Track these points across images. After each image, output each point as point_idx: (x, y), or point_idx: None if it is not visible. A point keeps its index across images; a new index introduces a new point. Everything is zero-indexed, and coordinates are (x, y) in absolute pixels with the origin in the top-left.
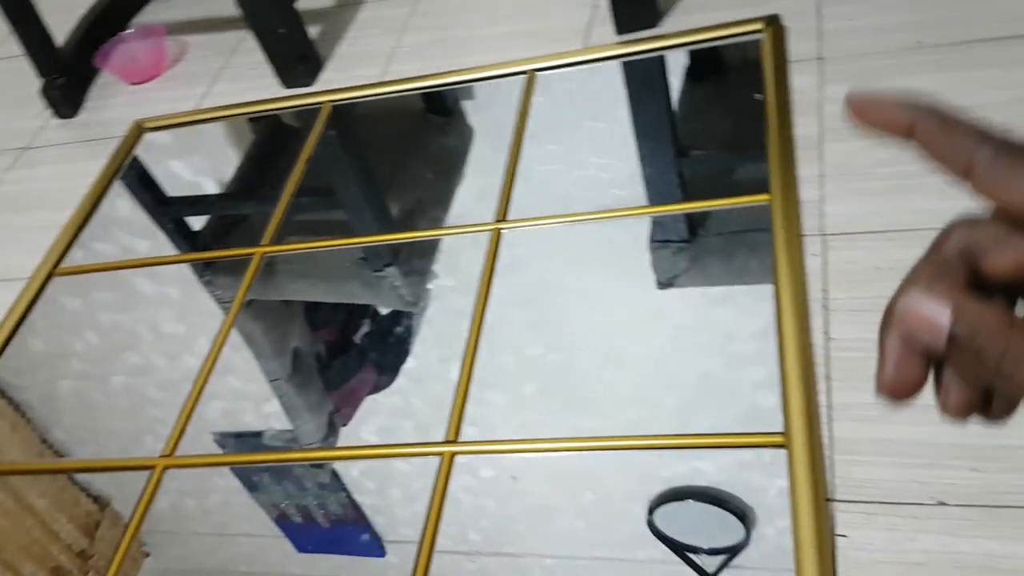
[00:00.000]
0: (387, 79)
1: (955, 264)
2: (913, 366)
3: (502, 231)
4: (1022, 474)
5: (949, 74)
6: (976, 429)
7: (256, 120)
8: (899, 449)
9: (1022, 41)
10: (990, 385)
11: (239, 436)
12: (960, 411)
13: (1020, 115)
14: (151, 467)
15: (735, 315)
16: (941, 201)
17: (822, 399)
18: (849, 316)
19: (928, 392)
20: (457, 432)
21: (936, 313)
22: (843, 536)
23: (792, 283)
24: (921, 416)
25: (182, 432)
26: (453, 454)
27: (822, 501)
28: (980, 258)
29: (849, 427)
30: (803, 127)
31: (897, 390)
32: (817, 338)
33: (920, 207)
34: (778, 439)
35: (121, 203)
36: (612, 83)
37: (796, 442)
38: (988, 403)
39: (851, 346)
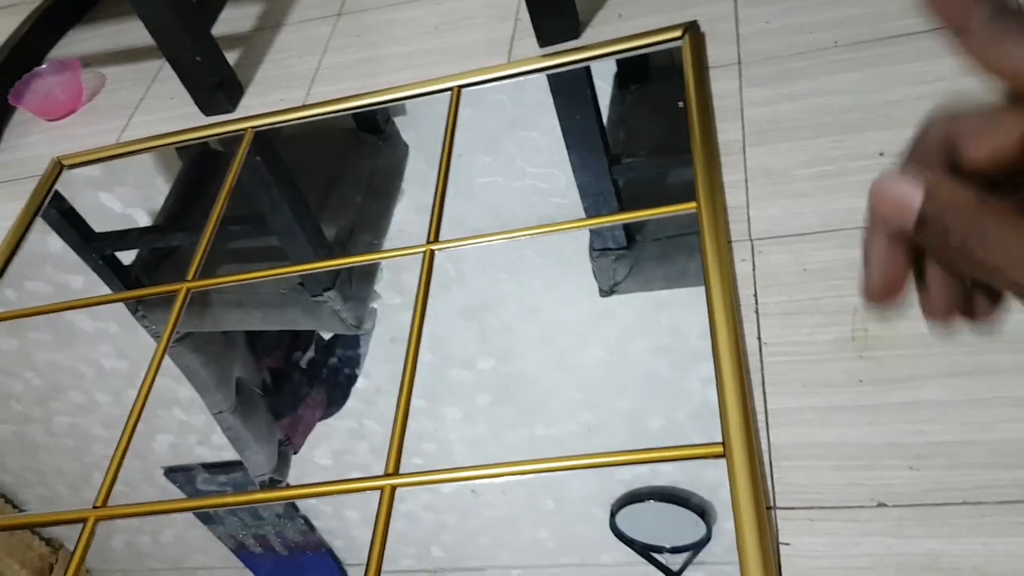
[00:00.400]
0: (310, 101)
1: (933, 154)
2: (895, 264)
3: (435, 251)
4: (958, 470)
5: (867, 71)
6: (910, 427)
7: (180, 149)
8: (837, 451)
9: (929, 35)
10: (957, 267)
11: (188, 470)
12: (942, 311)
13: (930, 108)
14: (83, 519)
15: (678, 317)
16: (861, 199)
17: (759, 405)
18: (781, 320)
19: (860, 391)
20: (397, 464)
21: (907, 191)
22: (786, 544)
23: (723, 291)
24: (856, 417)
25: (113, 482)
26: (394, 487)
27: (764, 510)
28: (958, 149)
29: (786, 432)
30: (726, 132)
31: (883, 291)
32: (751, 344)
33: (843, 207)
34: (717, 449)
35: (46, 240)
36: (542, 95)
37: (735, 451)
38: (971, 304)
39: (784, 350)
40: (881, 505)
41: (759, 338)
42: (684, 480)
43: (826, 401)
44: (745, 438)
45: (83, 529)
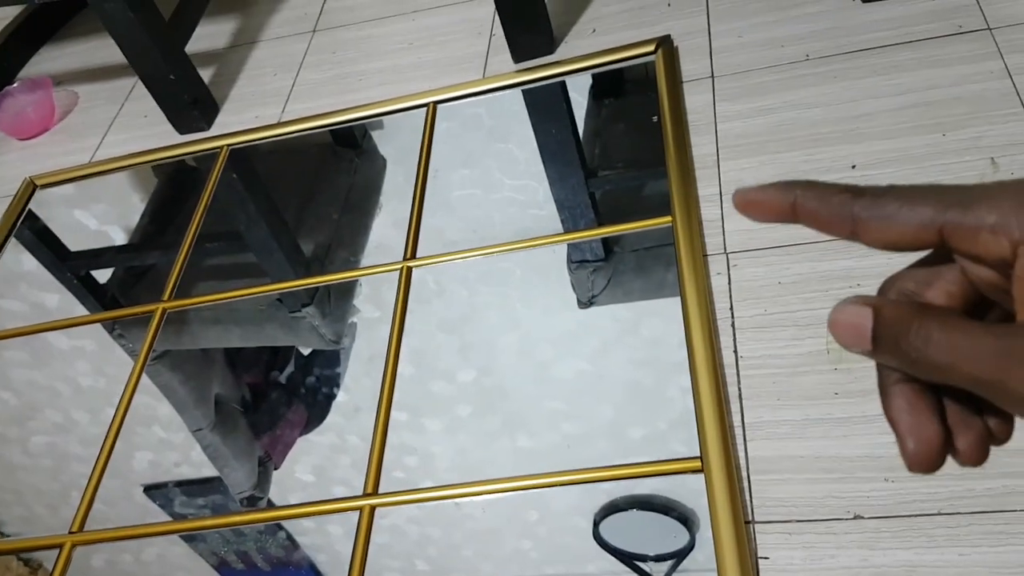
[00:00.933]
0: (286, 118)
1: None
2: (924, 421)
3: (412, 268)
4: (933, 481)
5: (837, 85)
6: (884, 439)
7: (155, 168)
8: (812, 465)
9: (903, 48)
10: (929, 379)
11: (167, 488)
12: (973, 452)
13: (907, 119)
14: (60, 545)
15: (656, 327)
16: None
17: (736, 419)
18: (756, 333)
19: (835, 403)
20: (376, 483)
21: (857, 314)
22: (765, 558)
23: (699, 305)
24: (832, 429)
25: (89, 506)
26: (373, 507)
27: (742, 525)
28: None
29: (763, 446)
30: (700, 146)
31: (926, 456)
32: (727, 357)
33: None
34: (695, 464)
35: (20, 259)
36: (518, 109)
37: (713, 466)
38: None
39: (760, 363)
40: (857, 517)
41: (735, 351)
42: (666, 488)
43: (802, 414)
44: (723, 452)
45: (59, 554)
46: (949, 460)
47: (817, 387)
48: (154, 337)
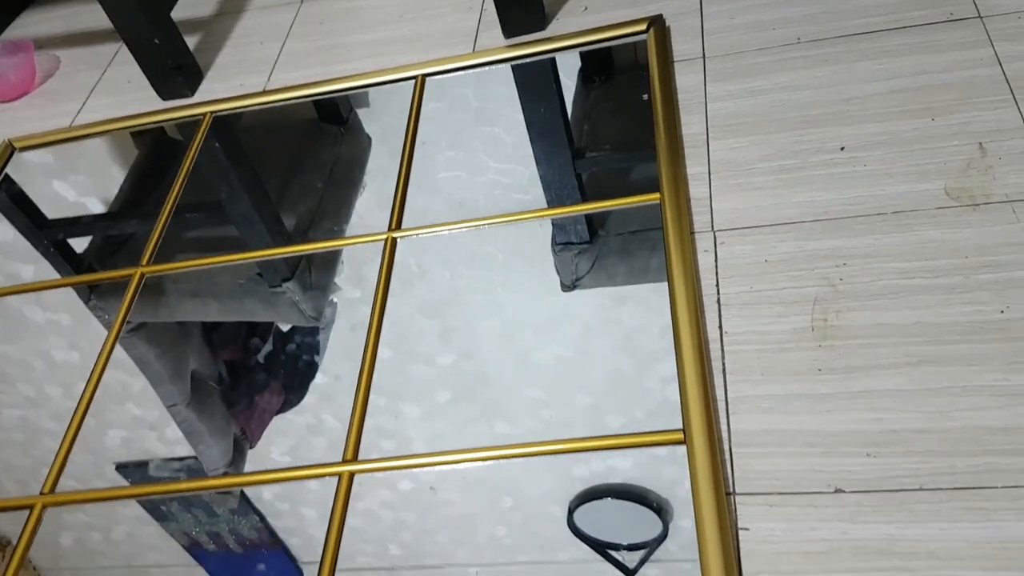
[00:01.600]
0: (271, 87)
1: None
2: None
3: (396, 239)
4: (914, 457)
5: (827, 68)
6: (867, 415)
7: (137, 134)
8: (795, 439)
9: (894, 33)
10: None
11: (141, 465)
12: None
13: (896, 103)
14: (30, 506)
15: (639, 312)
16: (822, 193)
17: (720, 393)
18: (742, 309)
19: (819, 379)
20: (356, 450)
21: None
22: (745, 529)
23: (685, 281)
24: (815, 404)
25: (61, 468)
26: (352, 473)
27: (723, 496)
28: None
29: (746, 419)
30: (690, 125)
31: None
32: (712, 333)
33: (804, 199)
34: (677, 436)
35: None
36: (507, 87)
37: (695, 438)
38: None
39: (745, 339)
40: (839, 491)
41: (720, 327)
42: (642, 477)
43: (786, 389)
44: (705, 425)
45: (29, 516)
46: (930, 436)
47: (801, 363)
48: (131, 302)
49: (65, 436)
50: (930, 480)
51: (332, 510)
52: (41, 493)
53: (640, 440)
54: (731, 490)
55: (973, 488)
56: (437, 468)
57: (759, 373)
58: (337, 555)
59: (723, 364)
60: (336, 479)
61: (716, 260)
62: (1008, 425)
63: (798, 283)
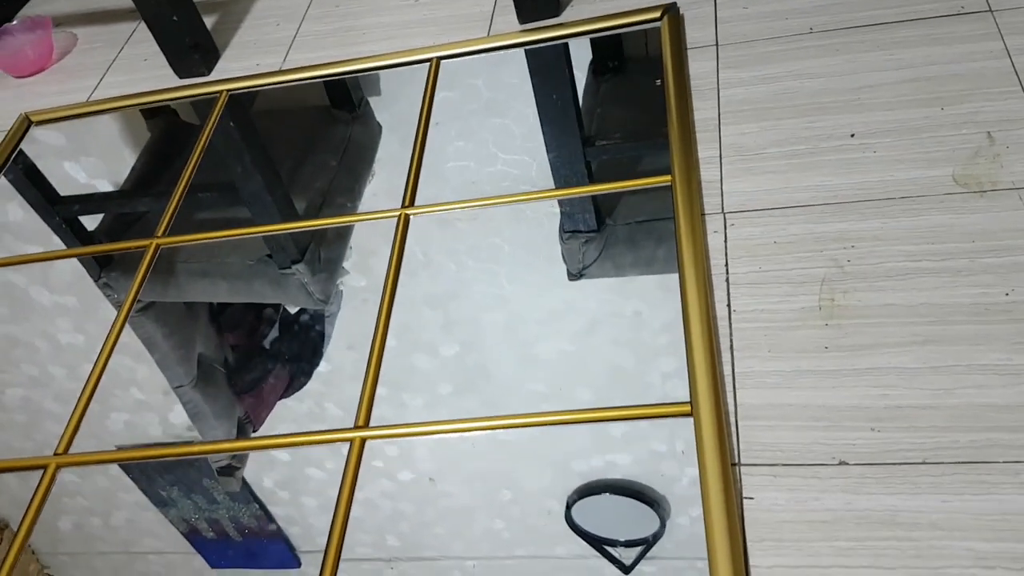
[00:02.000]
0: (287, 67)
1: None
2: None
3: (410, 216)
4: (917, 432)
5: (839, 58)
6: (872, 391)
7: (152, 112)
8: (800, 413)
9: (905, 25)
10: None
11: (145, 447)
12: None
13: (907, 92)
14: (44, 466)
15: (645, 303)
16: (831, 177)
17: (727, 368)
18: (750, 289)
19: (825, 357)
20: (368, 417)
21: None
22: (750, 499)
23: (695, 259)
24: (821, 380)
25: (76, 429)
26: (364, 439)
27: (728, 466)
28: None
29: (753, 394)
30: (702, 111)
31: None
32: (721, 311)
33: (812, 183)
34: (684, 408)
35: (7, 201)
36: (518, 75)
37: (702, 410)
38: None
39: (753, 317)
40: (843, 463)
41: (729, 305)
42: (639, 473)
43: (792, 365)
44: (712, 397)
45: (43, 476)
46: (934, 412)
47: (808, 341)
48: (146, 273)
49: (79, 399)
50: (933, 454)
51: (343, 475)
52: (55, 454)
53: (648, 412)
54: (736, 461)
55: (975, 463)
56: (438, 458)
57: (766, 350)
58: (346, 525)
59: (731, 341)
60: (344, 458)
61: (726, 241)
62: (1011, 403)
63: (806, 264)
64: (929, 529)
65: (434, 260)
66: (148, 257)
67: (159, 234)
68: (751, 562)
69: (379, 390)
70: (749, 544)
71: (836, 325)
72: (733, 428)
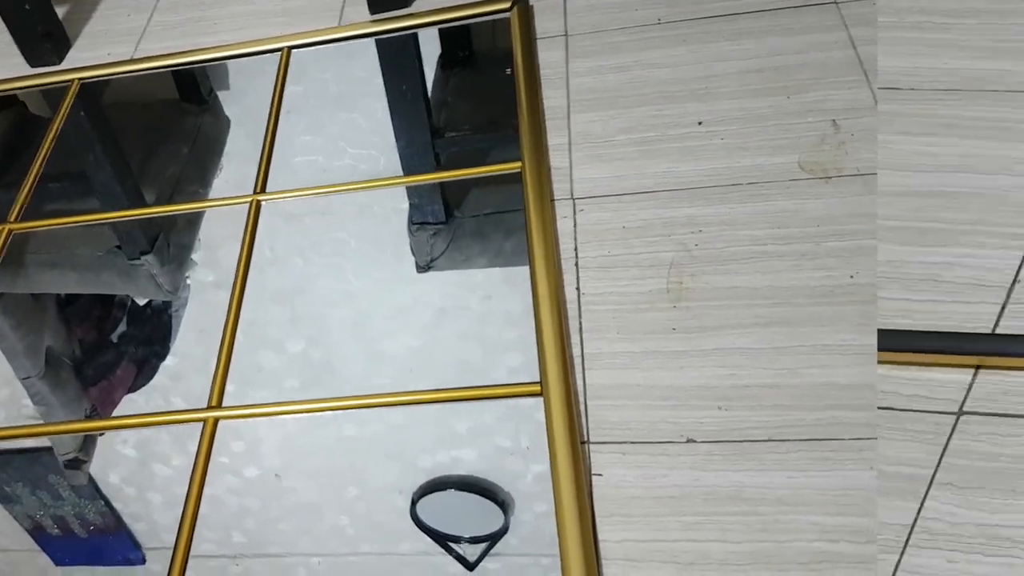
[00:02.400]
0: (138, 56)
1: None
2: None
3: (261, 203)
4: (764, 411)
5: (687, 47)
6: (719, 371)
7: (1, 103)
8: (649, 392)
9: (751, 16)
10: None
11: None
12: None
13: (753, 82)
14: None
15: (493, 296)
16: (679, 164)
17: (576, 350)
18: (600, 272)
19: (673, 338)
20: (221, 397)
21: None
22: (599, 475)
23: (544, 243)
24: (669, 361)
25: None
26: (216, 419)
27: (578, 444)
28: None
29: (601, 374)
30: (552, 99)
31: None
32: (570, 294)
33: (660, 170)
34: (535, 388)
35: None
36: (370, 66)
37: (552, 390)
38: None
39: (602, 299)
40: (690, 441)
41: (578, 288)
42: (484, 470)
43: (640, 347)
44: (562, 377)
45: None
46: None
47: (656, 323)
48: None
49: None
50: (779, 432)
51: (196, 457)
52: None
53: (498, 392)
54: (586, 439)
55: (820, 440)
56: (284, 454)
57: (615, 331)
58: (198, 511)
59: (580, 323)
60: (191, 456)
61: (575, 226)
62: (854, 382)
63: (655, 248)
64: (775, 504)
65: (280, 256)
66: (1, 242)
67: (12, 219)
68: (600, 536)
69: (227, 387)
70: (598, 519)
71: (684, 307)
72: (582, 407)
